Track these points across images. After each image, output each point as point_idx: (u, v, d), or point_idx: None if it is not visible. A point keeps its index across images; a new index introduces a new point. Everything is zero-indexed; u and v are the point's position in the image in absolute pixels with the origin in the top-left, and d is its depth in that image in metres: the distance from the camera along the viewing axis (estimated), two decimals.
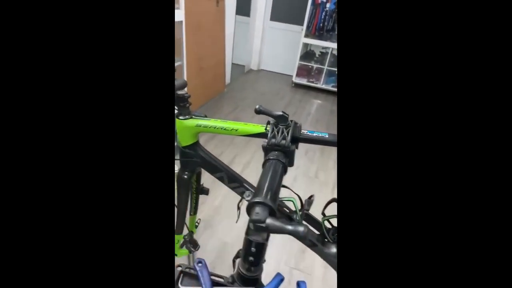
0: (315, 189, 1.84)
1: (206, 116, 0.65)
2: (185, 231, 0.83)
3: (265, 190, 0.39)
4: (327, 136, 0.56)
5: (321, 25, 3.37)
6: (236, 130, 0.60)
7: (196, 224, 0.88)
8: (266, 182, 0.42)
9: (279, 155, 0.49)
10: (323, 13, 3.30)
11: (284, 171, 0.48)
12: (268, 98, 3.30)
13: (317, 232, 0.64)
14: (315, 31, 3.45)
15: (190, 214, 0.84)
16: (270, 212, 0.36)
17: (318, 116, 3.02)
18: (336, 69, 3.63)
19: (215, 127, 0.61)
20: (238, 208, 0.57)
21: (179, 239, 0.81)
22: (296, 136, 0.54)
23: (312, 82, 3.75)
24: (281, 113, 0.53)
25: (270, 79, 4.07)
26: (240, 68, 4.12)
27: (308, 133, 0.57)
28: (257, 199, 0.37)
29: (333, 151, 2.34)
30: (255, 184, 0.64)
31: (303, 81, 3.78)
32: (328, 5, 3.21)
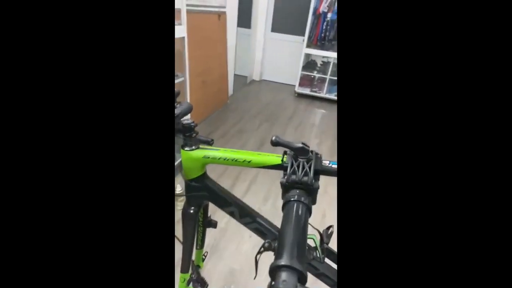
0: (325, 206, 1.77)
1: (212, 141, 0.59)
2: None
3: (291, 249, 0.33)
4: None
5: (322, 35, 3.36)
6: (249, 161, 0.53)
7: (203, 257, 0.81)
8: (291, 236, 0.35)
9: (301, 195, 0.43)
10: (324, 23, 3.29)
11: (309, 214, 0.42)
12: (272, 109, 3.26)
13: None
14: (317, 41, 3.44)
15: (197, 248, 0.77)
16: (300, 279, 0.30)
17: (323, 127, 2.97)
18: None
19: (225, 159, 0.55)
20: (256, 262, 0.47)
21: (185, 277, 0.74)
22: (317, 169, 0.48)
23: (315, 91, 3.72)
24: (301, 145, 0.47)
25: (273, 89, 4.04)
26: (243, 79, 4.11)
27: (331, 164, 0.50)
28: (282, 262, 0.31)
29: None
30: (270, 218, 0.58)
31: (306, 91, 3.75)
32: (329, 15, 3.20)
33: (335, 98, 3.64)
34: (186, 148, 0.57)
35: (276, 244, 0.37)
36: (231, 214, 0.61)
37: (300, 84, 3.74)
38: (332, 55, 3.43)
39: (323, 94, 3.67)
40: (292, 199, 0.42)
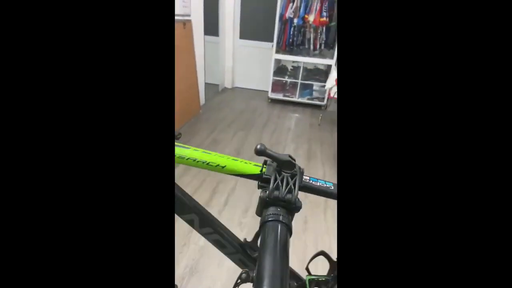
0: (307, 211, 1.73)
1: (180, 134, 0.51)
2: None
3: (271, 281, 0.28)
4: (332, 187, 0.45)
5: (290, 40, 3.41)
6: (223, 167, 0.46)
7: None
8: (271, 265, 0.30)
9: (281, 214, 0.37)
10: (292, 29, 3.34)
11: (289, 234, 0.37)
12: (246, 116, 3.21)
13: None
14: (285, 46, 3.48)
15: None
16: None
17: (298, 131, 2.98)
18: (309, 82, 3.67)
19: (194, 160, 0.46)
20: None
21: None
22: (301, 186, 0.43)
23: (288, 96, 3.75)
24: (287, 158, 0.41)
25: (246, 96, 4.01)
26: (215, 88, 4.03)
27: (311, 181, 0.45)
28: None
29: (319, 168, 2.27)
30: (252, 231, 0.52)
31: (279, 96, 3.76)
32: (295, 20, 3.26)
33: (308, 101, 3.70)
34: None
35: (254, 275, 0.31)
36: (190, 222, 0.53)
37: (273, 90, 3.75)
38: (302, 59, 3.49)
39: (296, 98, 3.71)
40: (271, 219, 0.37)
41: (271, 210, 0.38)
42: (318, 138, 2.83)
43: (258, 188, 0.43)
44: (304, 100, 3.71)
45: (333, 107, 3.59)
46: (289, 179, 0.40)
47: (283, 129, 2.98)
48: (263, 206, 0.40)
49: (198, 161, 0.46)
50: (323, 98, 3.61)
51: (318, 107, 3.68)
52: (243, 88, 4.37)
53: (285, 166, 0.42)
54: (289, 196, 0.39)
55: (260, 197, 0.40)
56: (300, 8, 3.20)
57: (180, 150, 0.46)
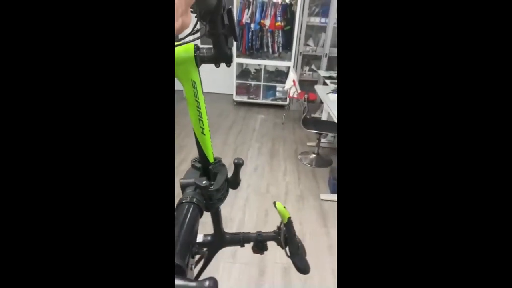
0: (268, 205, 1.83)
1: None
2: None
3: (178, 248, 0.37)
4: None
5: (250, 44, 3.52)
6: (203, 133, 0.55)
7: None
8: (178, 238, 0.39)
9: (195, 196, 0.46)
10: (250, 33, 3.46)
11: (200, 215, 0.45)
12: (211, 120, 3.22)
13: None
14: (245, 50, 3.59)
15: None
16: (177, 271, 0.34)
17: (263, 130, 3.09)
18: (272, 84, 3.81)
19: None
20: None
21: None
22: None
23: (253, 98, 3.86)
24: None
25: (211, 100, 4.05)
26: (179, 93, 3.98)
27: None
28: None
29: (281, 165, 2.39)
30: None
31: (244, 99, 3.86)
32: (252, 25, 3.39)
33: (272, 102, 3.84)
34: None
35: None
36: None
37: (237, 93, 3.84)
38: (262, 62, 3.62)
39: (260, 100, 3.83)
40: (184, 201, 0.45)
41: (186, 192, 0.47)
42: (281, 136, 2.97)
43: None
44: (268, 101, 3.84)
45: (296, 106, 3.76)
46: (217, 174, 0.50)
47: (248, 130, 3.07)
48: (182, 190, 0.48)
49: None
50: (286, 98, 3.78)
51: (282, 107, 3.84)
52: (208, 92, 4.39)
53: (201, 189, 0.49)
54: (205, 183, 0.47)
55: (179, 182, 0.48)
56: (256, 14, 3.33)
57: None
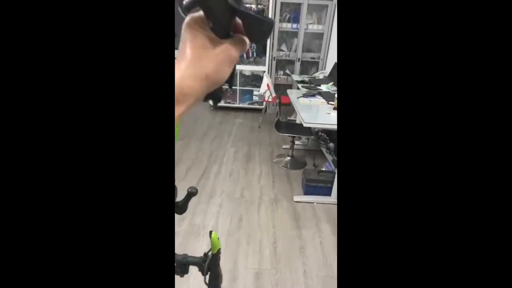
0: (242, 210, 1.84)
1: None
2: None
3: None
4: None
5: None
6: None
7: None
8: None
9: None
10: None
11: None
12: (187, 126, 3.23)
13: None
14: None
15: None
16: None
17: (240, 135, 3.10)
18: (248, 88, 3.85)
19: None
20: None
21: None
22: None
23: (229, 102, 3.87)
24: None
25: None
26: None
27: None
28: None
29: (256, 169, 2.42)
30: None
31: (221, 103, 3.86)
32: None
33: (248, 106, 3.88)
34: None
35: None
36: None
37: None
38: (238, 67, 3.65)
39: (237, 104, 3.85)
40: None
41: None
42: (257, 140, 3.00)
43: None
44: (245, 105, 3.88)
45: (272, 110, 3.81)
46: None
47: (224, 135, 3.08)
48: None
49: None
50: (262, 102, 3.82)
51: (259, 110, 3.88)
52: None
53: None
54: None
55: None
56: None
57: None
